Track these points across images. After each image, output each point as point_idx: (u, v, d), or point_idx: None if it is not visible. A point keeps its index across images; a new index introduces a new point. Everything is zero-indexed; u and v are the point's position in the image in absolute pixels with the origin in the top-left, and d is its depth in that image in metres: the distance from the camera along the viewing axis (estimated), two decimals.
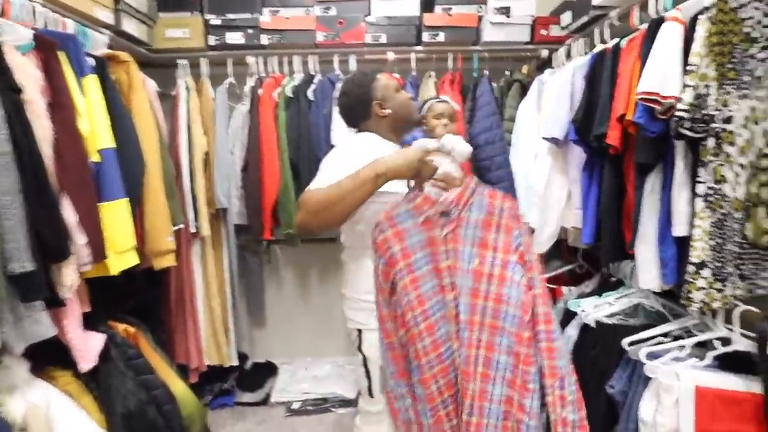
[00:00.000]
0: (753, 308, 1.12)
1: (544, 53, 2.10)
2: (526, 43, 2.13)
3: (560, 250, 2.09)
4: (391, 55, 2.11)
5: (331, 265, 2.51)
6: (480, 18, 2.12)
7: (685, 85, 1.02)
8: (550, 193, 1.73)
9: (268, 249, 2.40)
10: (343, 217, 1.16)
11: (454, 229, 1.12)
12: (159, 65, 2.11)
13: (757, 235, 1.12)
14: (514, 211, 1.14)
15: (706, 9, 1.01)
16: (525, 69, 2.21)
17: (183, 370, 2.10)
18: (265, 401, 2.28)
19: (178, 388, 1.56)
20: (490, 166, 1.95)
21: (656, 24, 1.14)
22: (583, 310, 1.50)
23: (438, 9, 2.12)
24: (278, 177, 2.02)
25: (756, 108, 1.03)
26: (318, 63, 2.13)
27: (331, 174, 1.18)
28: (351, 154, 1.25)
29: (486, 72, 2.11)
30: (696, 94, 1.00)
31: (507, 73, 2.19)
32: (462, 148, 1.45)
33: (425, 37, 2.10)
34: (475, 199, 1.14)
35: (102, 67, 1.38)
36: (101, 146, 1.29)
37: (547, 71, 1.92)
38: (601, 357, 1.38)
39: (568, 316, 1.58)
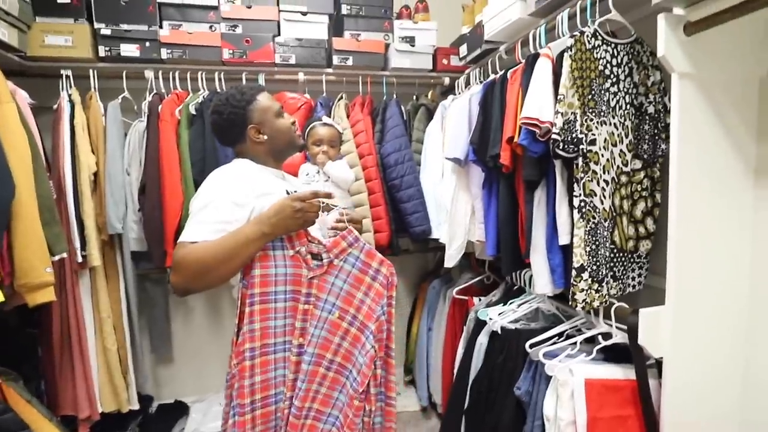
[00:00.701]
0: (624, 305, 1.28)
1: (446, 81, 2.27)
2: (430, 71, 2.28)
3: (470, 262, 2.22)
4: (301, 76, 2.12)
5: None
6: (387, 45, 2.23)
7: (557, 112, 1.17)
8: (456, 209, 1.84)
9: None
10: (230, 276, 1.11)
11: (322, 275, 1.12)
12: (36, 75, 1.89)
13: (623, 241, 1.30)
14: (390, 278, 1.15)
15: (569, 48, 1.17)
16: (430, 94, 2.37)
17: (71, 423, 1.82)
18: None
19: None
20: (400, 185, 2.03)
21: (532, 59, 1.30)
22: (490, 318, 1.59)
23: (347, 34, 2.19)
24: (182, 199, 1.88)
25: (613, 133, 1.22)
26: (224, 80, 2.06)
27: (206, 221, 1.09)
28: (222, 190, 1.14)
29: (395, 96, 2.21)
30: (565, 120, 1.15)
31: (414, 97, 2.32)
32: (340, 174, 1.51)
33: (335, 60, 2.15)
34: (352, 251, 1.13)
35: None
36: None
37: (450, 97, 2.08)
38: (508, 361, 1.46)
39: (479, 325, 1.67)
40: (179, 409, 2.29)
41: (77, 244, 1.78)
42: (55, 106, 1.85)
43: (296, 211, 1.07)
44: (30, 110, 1.55)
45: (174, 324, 2.37)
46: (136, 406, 2.01)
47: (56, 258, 1.45)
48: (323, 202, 1.10)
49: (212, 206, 1.11)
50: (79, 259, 1.80)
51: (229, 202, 1.11)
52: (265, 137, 1.26)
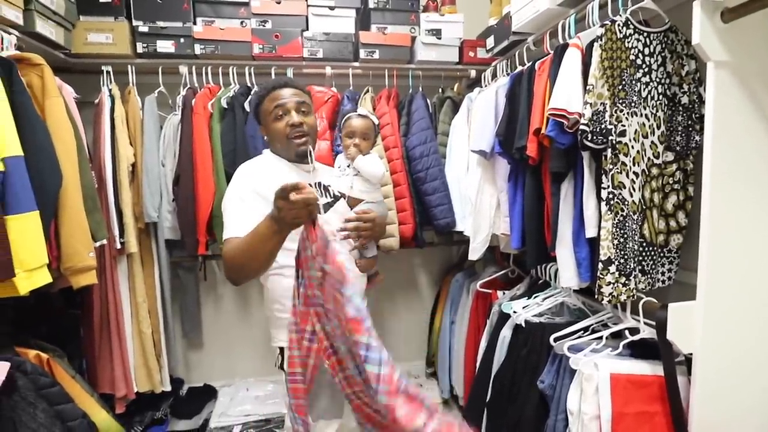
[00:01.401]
0: (653, 299, 1.25)
1: (473, 73, 2.25)
2: (456, 63, 2.26)
3: (494, 256, 2.21)
4: (329, 70, 2.15)
5: None
6: (413, 38, 2.23)
7: (585, 103, 1.15)
8: (481, 202, 1.83)
9: (204, 265, 2.30)
10: (263, 268, 1.15)
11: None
12: (80, 71, 1.98)
13: (653, 235, 1.27)
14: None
15: (599, 38, 1.15)
16: (456, 87, 2.36)
17: (109, 400, 1.93)
18: (203, 428, 2.14)
19: (101, 418, 1.44)
20: (425, 178, 2.04)
21: (561, 49, 1.28)
22: (514, 311, 1.59)
23: (373, 28, 2.20)
24: (213, 190, 1.95)
25: (644, 124, 1.19)
26: (254, 75, 2.11)
27: (234, 214, 1.19)
28: (244, 182, 1.23)
29: (420, 89, 2.21)
30: (594, 110, 1.14)
31: (440, 90, 2.31)
32: (369, 169, 1.50)
33: (362, 54, 2.17)
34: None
35: (8, 70, 1.27)
36: (5, 154, 1.18)
37: (476, 89, 2.06)
38: (531, 354, 1.46)
39: (502, 318, 1.67)
40: (208, 393, 2.38)
41: (116, 231, 1.87)
42: (96, 101, 1.95)
43: (284, 207, 1.00)
44: (75, 104, 1.64)
45: (204, 310, 2.46)
46: (168, 388, 2.11)
47: (97, 244, 1.53)
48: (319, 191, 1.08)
49: (237, 200, 1.20)
50: (118, 246, 1.89)
51: (255, 193, 1.19)
52: (267, 138, 1.33)
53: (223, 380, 2.46)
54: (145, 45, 2.01)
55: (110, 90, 1.94)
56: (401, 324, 2.65)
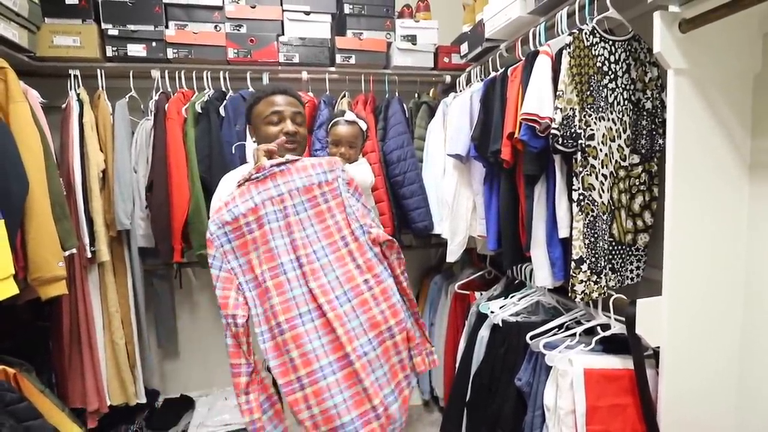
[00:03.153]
0: (623, 296, 1.30)
1: (448, 78, 2.29)
2: (432, 69, 2.30)
3: (471, 257, 2.25)
4: (305, 75, 2.15)
5: None
6: (389, 44, 2.26)
7: (556, 108, 1.20)
8: (458, 204, 1.87)
9: (179, 273, 2.25)
10: None
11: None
12: (46, 75, 1.92)
13: (621, 234, 1.33)
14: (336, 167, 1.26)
15: (567, 45, 1.20)
16: (432, 92, 2.40)
17: (80, 415, 1.86)
18: None
19: None
20: (402, 181, 2.06)
21: (532, 56, 1.33)
22: (492, 312, 1.62)
23: (349, 33, 2.21)
24: (188, 196, 1.92)
25: (611, 128, 1.24)
26: (229, 79, 2.09)
27: None
28: (226, 192, 1.24)
29: (397, 93, 2.24)
30: (564, 115, 1.18)
31: (416, 95, 2.35)
32: (359, 179, 1.49)
33: (338, 59, 2.18)
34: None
35: None
36: None
37: (451, 95, 2.10)
38: (509, 353, 1.49)
39: (480, 319, 1.70)
40: (185, 404, 2.33)
41: (86, 239, 1.82)
42: (63, 105, 1.89)
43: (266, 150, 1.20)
44: (41, 109, 1.58)
45: (180, 319, 2.41)
46: (143, 400, 2.05)
47: (67, 253, 1.49)
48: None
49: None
50: (89, 255, 1.84)
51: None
52: (254, 140, 1.34)
53: (201, 390, 2.42)
54: (114, 48, 1.96)
55: (78, 94, 1.89)
56: None
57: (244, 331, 1.12)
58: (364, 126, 1.57)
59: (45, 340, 1.82)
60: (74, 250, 1.56)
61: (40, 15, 1.85)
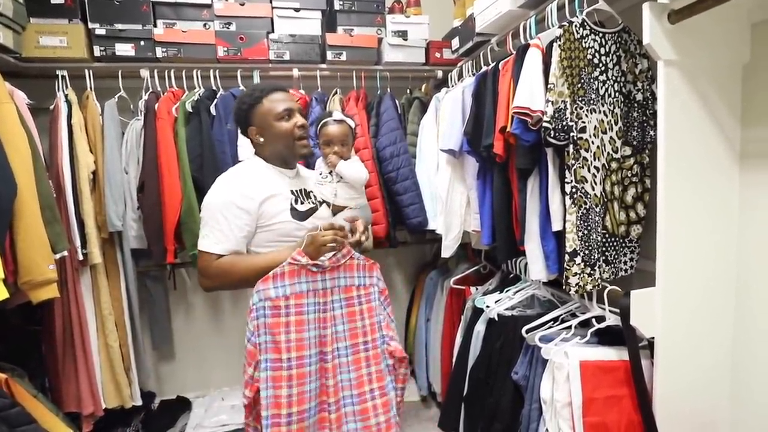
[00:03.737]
0: (617, 288, 1.31)
1: (440, 74, 2.29)
2: (423, 64, 2.30)
3: (466, 252, 2.26)
4: (296, 72, 2.13)
5: None
6: (380, 40, 2.25)
7: (547, 101, 1.20)
8: (451, 200, 1.87)
9: (173, 274, 2.24)
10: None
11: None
12: (32, 76, 1.90)
13: (614, 226, 1.33)
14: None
15: (558, 38, 1.20)
16: (424, 88, 2.39)
17: (75, 419, 1.85)
18: None
19: None
20: (396, 178, 2.05)
21: (523, 50, 1.33)
22: (487, 306, 1.62)
23: (340, 29, 2.20)
24: (180, 196, 1.90)
25: (603, 120, 1.25)
26: (220, 78, 2.07)
27: (220, 230, 1.21)
28: (228, 195, 1.23)
29: (389, 89, 2.23)
30: (556, 108, 1.18)
31: (408, 91, 2.34)
32: (353, 174, 1.50)
33: (329, 55, 2.16)
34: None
35: None
36: None
37: (443, 90, 2.10)
38: (505, 347, 1.49)
39: (476, 313, 1.70)
40: (181, 405, 2.32)
41: (78, 242, 1.80)
42: (51, 107, 1.87)
43: (325, 245, 1.19)
44: (28, 110, 1.56)
45: (175, 320, 2.39)
46: (138, 402, 2.04)
47: (57, 256, 1.47)
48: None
49: (222, 213, 1.21)
50: (80, 257, 1.82)
51: (234, 206, 1.20)
52: (262, 140, 1.30)
53: (197, 391, 2.41)
54: (102, 48, 1.94)
55: (66, 95, 1.86)
56: None
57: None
58: (353, 124, 1.57)
59: (37, 345, 1.80)
60: (65, 253, 1.54)
61: (25, 15, 1.82)
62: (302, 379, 1.18)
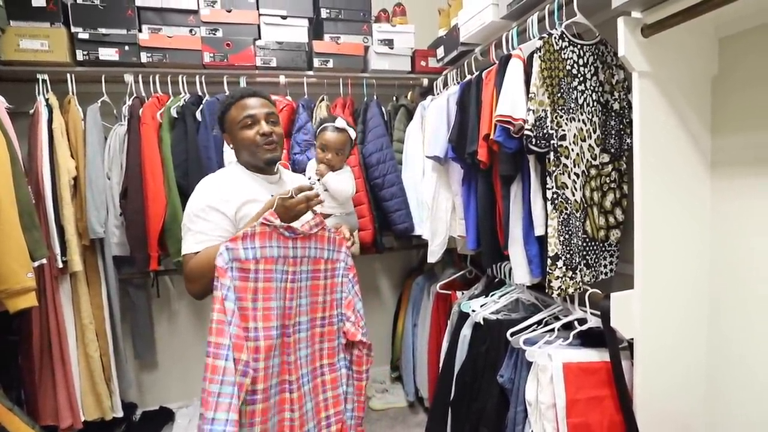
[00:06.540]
0: (598, 291, 1.34)
1: (425, 82, 2.33)
2: (409, 72, 2.33)
3: (452, 258, 2.28)
4: (282, 79, 2.14)
5: None
6: (366, 48, 2.28)
7: (529, 109, 1.23)
8: (437, 206, 1.89)
9: (156, 281, 2.20)
10: None
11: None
12: (12, 79, 1.86)
13: (594, 231, 1.37)
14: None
15: (538, 49, 1.24)
16: (409, 95, 2.43)
17: None
18: None
19: None
20: (382, 184, 2.07)
21: (505, 60, 1.37)
22: (473, 310, 1.64)
23: (326, 37, 2.22)
24: (165, 202, 1.88)
25: (582, 128, 1.29)
26: (205, 84, 2.07)
27: (198, 231, 1.18)
28: (206, 198, 1.21)
29: (375, 97, 2.26)
30: (537, 116, 1.22)
31: (394, 98, 2.37)
32: (338, 188, 1.49)
33: (316, 62, 2.18)
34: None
35: None
36: None
37: (429, 97, 2.13)
38: (491, 351, 1.51)
39: (462, 318, 1.71)
40: (164, 416, 2.27)
41: (57, 249, 1.76)
42: (31, 111, 1.83)
43: (295, 206, 1.13)
44: (7, 115, 1.53)
45: (158, 329, 2.35)
46: (119, 414, 1.99)
47: (36, 264, 1.43)
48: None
49: (200, 216, 1.19)
50: (60, 265, 1.78)
51: (212, 209, 1.19)
52: (232, 147, 1.31)
53: (181, 401, 2.36)
54: (85, 52, 1.92)
55: (47, 99, 1.83)
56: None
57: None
58: (353, 134, 1.55)
59: (13, 355, 1.75)
60: (44, 261, 1.50)
61: (5, 18, 1.79)
62: (269, 353, 1.09)
